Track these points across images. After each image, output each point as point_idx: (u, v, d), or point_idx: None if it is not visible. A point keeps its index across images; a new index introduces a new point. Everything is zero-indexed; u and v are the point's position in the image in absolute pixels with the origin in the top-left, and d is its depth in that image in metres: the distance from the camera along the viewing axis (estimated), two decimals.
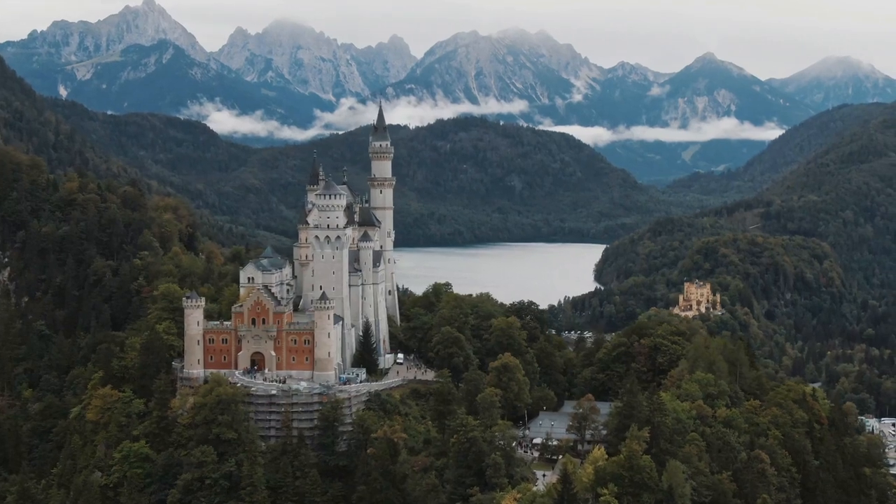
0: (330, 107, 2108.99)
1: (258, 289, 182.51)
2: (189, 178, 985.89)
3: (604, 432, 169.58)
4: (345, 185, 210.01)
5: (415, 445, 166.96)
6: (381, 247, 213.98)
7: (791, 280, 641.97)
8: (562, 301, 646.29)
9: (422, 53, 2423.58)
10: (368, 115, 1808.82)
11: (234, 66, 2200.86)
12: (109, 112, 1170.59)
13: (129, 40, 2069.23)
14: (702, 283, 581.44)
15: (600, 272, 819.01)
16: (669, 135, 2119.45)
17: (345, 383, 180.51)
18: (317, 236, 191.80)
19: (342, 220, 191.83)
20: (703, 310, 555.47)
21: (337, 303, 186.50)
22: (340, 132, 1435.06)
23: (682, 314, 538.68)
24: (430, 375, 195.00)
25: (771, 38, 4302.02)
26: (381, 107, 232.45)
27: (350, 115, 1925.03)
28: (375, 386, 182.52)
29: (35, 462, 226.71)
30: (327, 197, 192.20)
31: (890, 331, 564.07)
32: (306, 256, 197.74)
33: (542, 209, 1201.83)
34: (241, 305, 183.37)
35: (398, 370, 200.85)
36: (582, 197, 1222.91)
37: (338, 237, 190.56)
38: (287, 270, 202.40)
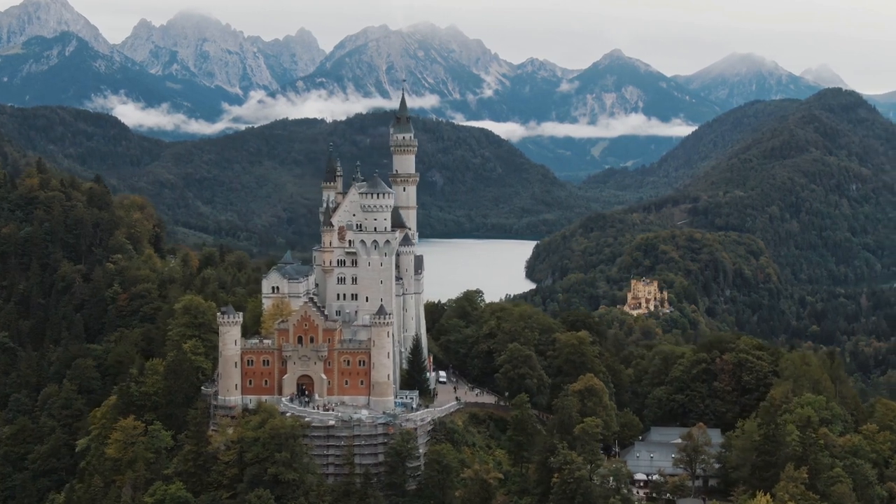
0: (238, 100, 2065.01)
1: (305, 301, 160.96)
2: (101, 173, 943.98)
3: (716, 466, 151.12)
4: (364, 183, 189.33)
5: None
6: None
7: (730, 276, 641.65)
8: (502, 299, 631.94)
9: (330, 47, 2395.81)
10: (278, 109, 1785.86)
11: (139, 59, 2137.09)
12: (13, 105, 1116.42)
13: (30, 32, 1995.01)
14: (648, 281, 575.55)
15: (532, 268, 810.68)
16: (579, 131, 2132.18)
17: (402, 410, 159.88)
18: (362, 241, 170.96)
19: (390, 222, 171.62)
20: (651, 307, 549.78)
21: None
22: (254, 125, 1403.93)
23: (633, 312, 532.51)
24: (481, 396, 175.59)
25: (676, 36, 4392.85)
26: (403, 95, 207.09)
27: (259, 108, 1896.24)
28: (438, 412, 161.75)
29: (10, 493, 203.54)
30: (373, 196, 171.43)
31: (834, 327, 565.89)
32: (330, 262, 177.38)
33: (463, 205, 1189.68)
34: (285, 321, 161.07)
35: (460, 394, 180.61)
36: (503, 192, 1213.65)
37: (386, 241, 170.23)
38: (312, 278, 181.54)
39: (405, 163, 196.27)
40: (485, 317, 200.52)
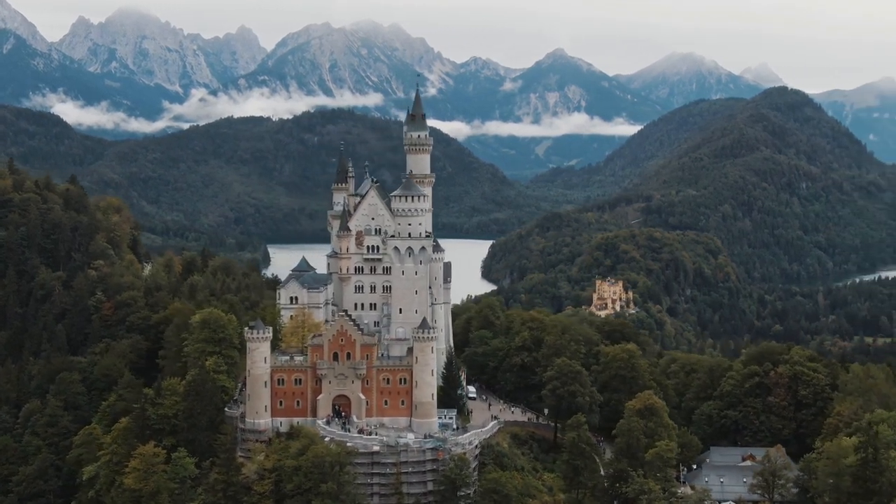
0: (178, 98, 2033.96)
1: (340, 315, 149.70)
2: (43, 173, 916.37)
3: (794, 490, 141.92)
4: (378, 184, 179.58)
5: None
6: None
7: (691, 276, 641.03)
8: (463, 300, 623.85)
9: (272, 45, 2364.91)
10: (220, 108, 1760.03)
11: (77, 57, 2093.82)
12: None
13: None
14: (613, 281, 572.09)
15: (489, 268, 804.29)
16: (522, 130, 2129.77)
17: (451, 432, 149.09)
18: (396, 247, 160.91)
19: (425, 227, 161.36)
20: (618, 308, 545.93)
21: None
22: (197, 124, 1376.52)
23: (600, 313, 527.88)
24: (522, 414, 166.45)
25: (617, 35, 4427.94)
26: (417, 92, 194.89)
27: (201, 106, 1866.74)
28: (484, 433, 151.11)
29: None
30: (409, 199, 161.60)
31: (796, 327, 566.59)
32: (347, 269, 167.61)
33: None
34: (318, 336, 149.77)
35: (494, 411, 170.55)
36: (453, 192, 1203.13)
37: (422, 248, 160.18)
38: (331, 287, 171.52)
39: (420, 163, 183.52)
40: (514, 327, 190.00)
